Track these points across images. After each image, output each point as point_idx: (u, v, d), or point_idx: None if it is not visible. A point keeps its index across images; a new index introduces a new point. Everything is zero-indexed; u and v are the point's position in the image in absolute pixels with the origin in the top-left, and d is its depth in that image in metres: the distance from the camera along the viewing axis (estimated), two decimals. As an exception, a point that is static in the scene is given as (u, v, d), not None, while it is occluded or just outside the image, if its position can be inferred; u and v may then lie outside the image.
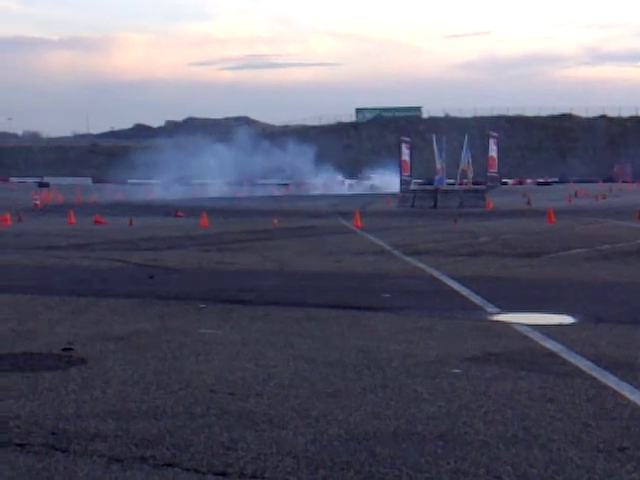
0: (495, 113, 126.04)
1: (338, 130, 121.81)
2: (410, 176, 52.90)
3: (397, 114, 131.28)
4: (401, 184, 52.58)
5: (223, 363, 7.91)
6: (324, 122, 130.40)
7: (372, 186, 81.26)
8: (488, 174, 51.19)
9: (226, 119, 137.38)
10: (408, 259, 18.66)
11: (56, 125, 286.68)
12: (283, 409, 6.27)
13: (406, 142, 53.60)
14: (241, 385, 7.03)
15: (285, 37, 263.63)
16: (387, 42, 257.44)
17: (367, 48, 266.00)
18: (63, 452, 5.32)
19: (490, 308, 11.40)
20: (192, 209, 42.52)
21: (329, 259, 18.90)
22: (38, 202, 50.08)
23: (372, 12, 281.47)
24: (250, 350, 8.55)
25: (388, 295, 12.77)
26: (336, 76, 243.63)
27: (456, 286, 13.73)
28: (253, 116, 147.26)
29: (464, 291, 13.11)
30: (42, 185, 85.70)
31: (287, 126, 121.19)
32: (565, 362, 7.93)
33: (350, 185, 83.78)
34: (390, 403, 6.45)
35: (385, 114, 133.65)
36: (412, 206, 48.60)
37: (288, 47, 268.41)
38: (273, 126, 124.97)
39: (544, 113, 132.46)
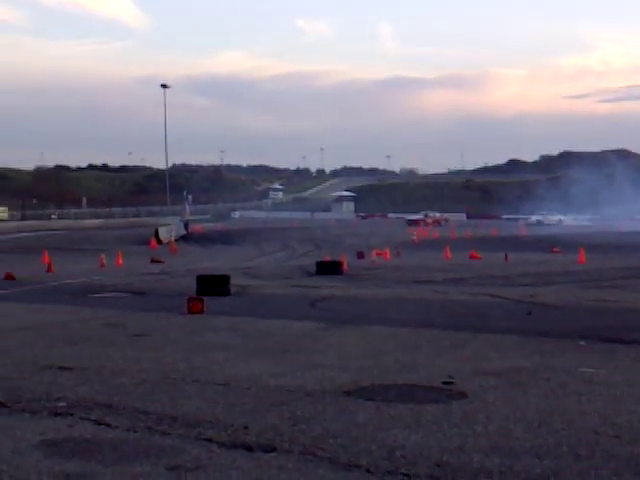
0: None
1: None
2: None
3: None
4: None
5: (607, 404, 7.63)
6: None
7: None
8: None
9: (603, 152, 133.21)
10: None
11: (431, 162, 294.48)
12: (675, 456, 5.92)
13: None
14: (628, 428, 6.72)
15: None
16: None
17: None
18: (448, 485, 5.38)
19: None
20: (567, 244, 41.70)
21: None
22: (415, 237, 51.68)
23: None
24: (636, 392, 8.17)
25: None
26: None
27: None
28: (632, 148, 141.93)
29: None
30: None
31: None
32: None
33: (538, 221, 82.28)
34: None
35: None
36: None
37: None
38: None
39: None
